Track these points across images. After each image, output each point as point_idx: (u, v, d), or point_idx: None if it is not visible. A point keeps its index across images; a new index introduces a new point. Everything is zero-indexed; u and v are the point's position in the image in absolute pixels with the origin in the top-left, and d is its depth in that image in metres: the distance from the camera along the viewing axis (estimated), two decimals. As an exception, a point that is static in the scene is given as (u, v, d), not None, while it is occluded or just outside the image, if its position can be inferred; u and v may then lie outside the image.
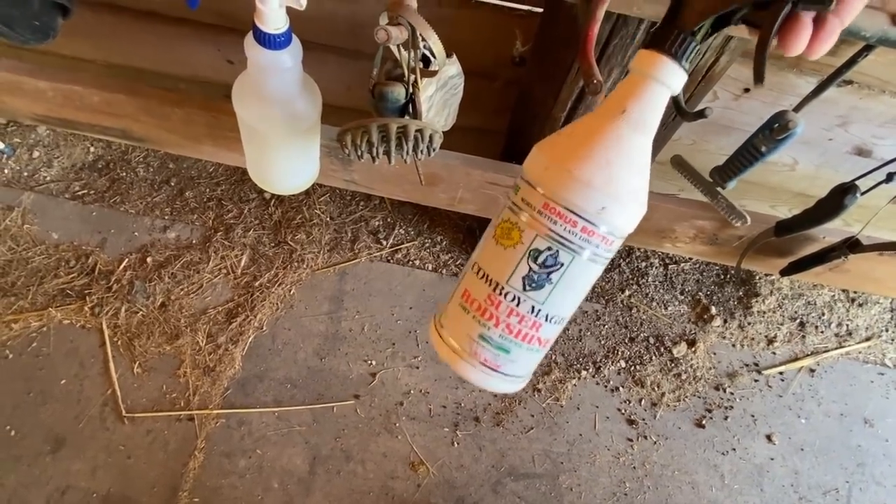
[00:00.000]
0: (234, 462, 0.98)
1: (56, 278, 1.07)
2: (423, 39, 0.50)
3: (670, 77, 0.35)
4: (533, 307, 0.40)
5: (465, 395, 1.07)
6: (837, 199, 0.64)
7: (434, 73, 0.53)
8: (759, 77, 0.34)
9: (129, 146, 1.22)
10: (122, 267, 1.09)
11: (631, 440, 1.07)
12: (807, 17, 0.31)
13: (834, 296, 1.22)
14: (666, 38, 0.34)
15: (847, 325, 1.20)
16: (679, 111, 0.49)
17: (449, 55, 0.56)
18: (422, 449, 1.02)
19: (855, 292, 1.23)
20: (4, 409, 0.97)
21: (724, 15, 0.34)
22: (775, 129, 0.54)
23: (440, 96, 0.61)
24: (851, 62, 0.50)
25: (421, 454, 1.02)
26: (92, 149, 1.21)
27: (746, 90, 0.82)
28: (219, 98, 0.74)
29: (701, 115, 0.48)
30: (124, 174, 1.19)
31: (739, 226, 0.71)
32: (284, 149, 0.62)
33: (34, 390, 0.99)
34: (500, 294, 0.40)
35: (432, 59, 0.54)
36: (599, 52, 0.57)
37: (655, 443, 1.07)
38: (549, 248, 0.38)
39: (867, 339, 1.20)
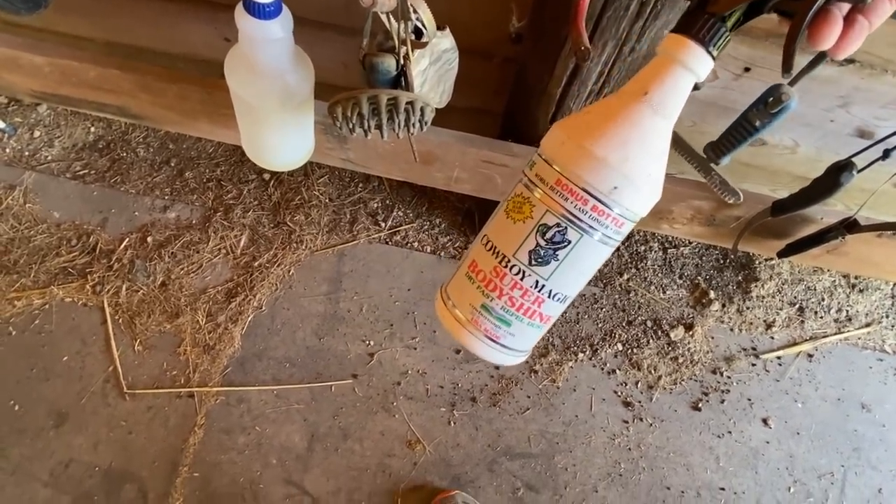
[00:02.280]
0: (233, 438, 0.99)
1: (58, 257, 1.08)
2: (414, 10, 0.50)
3: (696, 63, 0.34)
4: (537, 282, 0.40)
5: (462, 376, 1.07)
6: (833, 177, 0.63)
7: (425, 45, 0.53)
8: (787, 66, 0.34)
9: (129, 126, 1.22)
10: (122, 246, 1.10)
11: (627, 422, 1.07)
12: (838, 14, 0.32)
13: (834, 281, 1.22)
14: (695, 22, 0.34)
15: (847, 311, 1.20)
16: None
17: (441, 27, 0.56)
18: (419, 428, 1.03)
19: (856, 278, 1.22)
20: (8, 384, 0.99)
21: (757, 3, 0.34)
22: (769, 103, 0.54)
23: (434, 71, 0.60)
24: (847, 33, 0.49)
25: (418, 433, 1.03)
26: (92, 129, 1.21)
27: (747, 69, 0.81)
28: (214, 75, 0.74)
29: (694, 87, 0.47)
30: (125, 154, 1.19)
31: (733, 202, 0.71)
32: (277, 123, 0.63)
33: (37, 366, 1.01)
34: (506, 266, 0.40)
35: (424, 30, 0.53)
36: (593, 25, 0.57)
37: (651, 425, 1.08)
38: (558, 225, 0.38)
39: (867, 325, 1.19)
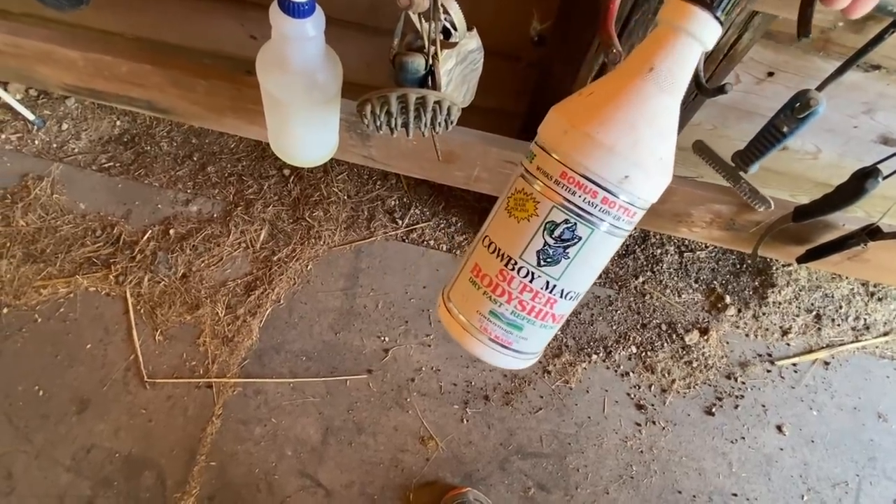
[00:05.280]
0: (249, 429, 1.01)
1: (83, 247, 1.11)
2: (445, 11, 0.50)
3: (703, 30, 0.31)
4: (548, 283, 0.37)
5: (475, 374, 1.08)
6: (858, 184, 0.63)
7: (454, 45, 0.54)
8: (804, 30, 0.32)
9: (153, 121, 1.25)
10: (145, 238, 1.12)
11: (639, 425, 1.07)
12: None
13: (853, 289, 1.21)
14: None
15: (865, 319, 1.19)
16: (699, 87, 0.48)
17: (469, 28, 0.57)
18: (432, 424, 1.04)
19: (875, 286, 1.21)
20: (33, 370, 1.02)
21: None
22: (797, 108, 0.54)
23: (459, 71, 0.61)
24: (878, 39, 0.50)
25: (431, 429, 1.04)
26: (118, 122, 1.24)
27: (770, 74, 0.81)
28: (240, 72, 0.76)
29: (721, 90, 0.48)
30: (149, 148, 1.22)
31: (763, 210, 0.70)
32: (305, 119, 0.64)
33: (61, 353, 1.03)
34: (513, 269, 0.37)
35: (453, 31, 0.54)
36: (620, 28, 0.57)
37: (664, 428, 1.08)
38: (567, 221, 0.35)
39: (885, 334, 1.18)
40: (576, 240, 0.36)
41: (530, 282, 0.37)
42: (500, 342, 0.39)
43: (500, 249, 0.38)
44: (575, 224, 0.35)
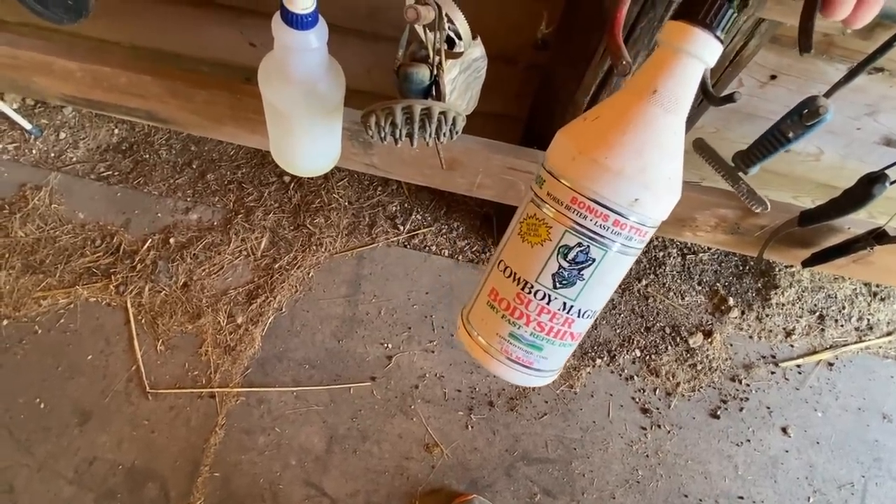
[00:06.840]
0: (253, 439, 1.00)
1: (82, 257, 1.10)
2: (450, 20, 0.50)
3: (704, 50, 0.32)
4: (564, 304, 0.38)
5: (479, 380, 1.08)
6: (866, 189, 0.63)
7: (459, 55, 0.53)
8: (806, 45, 0.33)
9: (152, 128, 1.24)
10: (145, 247, 1.12)
11: (644, 429, 1.07)
12: None
13: (855, 289, 1.20)
14: (698, 6, 0.32)
15: (868, 320, 1.19)
16: (706, 95, 0.48)
17: (473, 37, 0.56)
18: (436, 431, 1.03)
19: (877, 286, 1.21)
20: (34, 382, 1.01)
21: None
22: (805, 115, 0.53)
23: (463, 79, 0.61)
24: (886, 47, 0.49)
25: (435, 436, 1.03)
26: (116, 131, 1.23)
27: (773, 77, 0.80)
28: (238, 79, 0.75)
29: (729, 99, 0.47)
30: (147, 156, 1.21)
31: (759, 211, 0.70)
32: (308, 130, 0.63)
33: (62, 365, 1.02)
34: (530, 293, 0.38)
35: (457, 40, 0.54)
36: (626, 34, 0.57)
37: (669, 432, 1.07)
38: (580, 245, 0.36)
39: (888, 334, 1.18)
40: (590, 262, 0.36)
41: (547, 304, 0.38)
42: (521, 362, 0.40)
43: (515, 274, 0.39)
44: (588, 247, 0.36)
